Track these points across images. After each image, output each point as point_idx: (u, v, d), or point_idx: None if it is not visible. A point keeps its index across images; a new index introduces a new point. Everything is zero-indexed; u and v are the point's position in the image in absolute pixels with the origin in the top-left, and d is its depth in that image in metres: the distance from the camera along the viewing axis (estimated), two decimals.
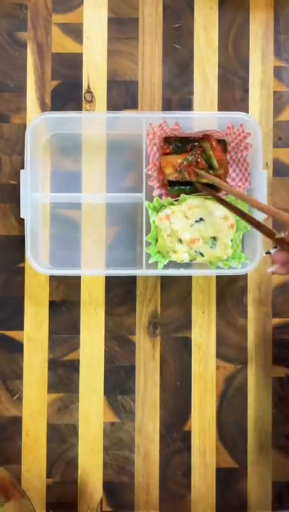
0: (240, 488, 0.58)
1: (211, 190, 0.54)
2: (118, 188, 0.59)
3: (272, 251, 0.44)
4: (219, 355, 0.59)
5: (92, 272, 0.58)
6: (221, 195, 0.56)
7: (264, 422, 0.59)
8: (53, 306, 0.59)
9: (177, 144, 0.56)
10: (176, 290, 0.59)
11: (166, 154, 0.56)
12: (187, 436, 0.59)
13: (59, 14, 0.59)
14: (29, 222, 0.54)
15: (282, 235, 0.42)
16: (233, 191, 0.49)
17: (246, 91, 0.59)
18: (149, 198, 0.55)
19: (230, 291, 0.59)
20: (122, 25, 0.59)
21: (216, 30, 0.59)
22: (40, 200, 0.58)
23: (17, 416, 0.58)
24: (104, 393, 0.59)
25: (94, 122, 0.57)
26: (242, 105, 0.59)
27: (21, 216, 0.54)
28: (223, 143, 0.56)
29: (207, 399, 0.59)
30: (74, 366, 0.59)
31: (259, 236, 0.53)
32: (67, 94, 0.59)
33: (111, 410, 0.59)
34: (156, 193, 0.56)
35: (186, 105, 0.59)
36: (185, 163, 0.54)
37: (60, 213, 0.59)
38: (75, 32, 0.59)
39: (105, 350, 0.59)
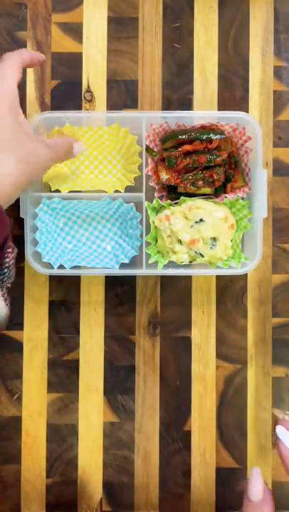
0: (240, 488, 0.58)
1: None
2: None
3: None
4: (219, 355, 0.59)
5: (92, 271, 0.58)
6: (220, 198, 0.56)
7: (264, 422, 0.59)
8: (52, 305, 0.59)
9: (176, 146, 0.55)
10: (176, 290, 0.59)
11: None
12: (187, 436, 0.58)
13: (59, 13, 0.59)
14: (29, 222, 0.54)
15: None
16: None
17: (246, 90, 0.59)
18: (149, 198, 0.55)
19: (230, 291, 0.59)
20: (122, 25, 0.59)
21: (216, 30, 0.59)
22: (40, 200, 0.57)
23: (17, 416, 0.58)
24: (104, 393, 0.59)
25: (94, 122, 0.57)
26: (242, 105, 0.59)
27: (21, 216, 0.54)
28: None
29: (207, 399, 0.59)
30: (74, 366, 0.58)
31: (259, 236, 0.53)
32: (66, 94, 0.59)
33: (111, 410, 0.59)
34: (157, 194, 0.55)
35: (186, 105, 0.59)
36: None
37: None
38: (75, 31, 0.59)
39: (105, 350, 0.59)
